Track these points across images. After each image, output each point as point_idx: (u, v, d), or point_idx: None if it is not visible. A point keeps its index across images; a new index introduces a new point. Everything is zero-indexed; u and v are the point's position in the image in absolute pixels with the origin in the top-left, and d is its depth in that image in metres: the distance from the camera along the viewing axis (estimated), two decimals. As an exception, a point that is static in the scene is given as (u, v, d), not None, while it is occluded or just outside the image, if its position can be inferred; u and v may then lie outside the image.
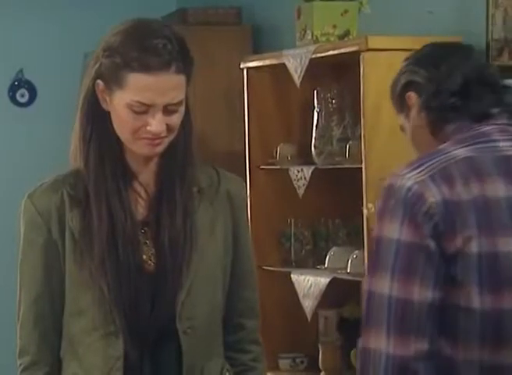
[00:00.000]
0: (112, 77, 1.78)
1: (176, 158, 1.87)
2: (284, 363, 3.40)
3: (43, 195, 1.86)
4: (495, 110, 1.90)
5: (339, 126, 3.19)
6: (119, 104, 1.79)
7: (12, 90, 4.71)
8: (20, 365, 1.90)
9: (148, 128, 1.79)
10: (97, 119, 1.83)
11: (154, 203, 1.86)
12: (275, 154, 3.48)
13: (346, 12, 3.11)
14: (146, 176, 1.88)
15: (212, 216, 1.89)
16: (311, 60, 2.99)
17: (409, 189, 1.77)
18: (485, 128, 1.87)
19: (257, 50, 4.07)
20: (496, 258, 1.74)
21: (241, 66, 3.50)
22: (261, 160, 3.50)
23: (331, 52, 2.91)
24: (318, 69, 3.12)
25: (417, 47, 2.75)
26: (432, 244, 1.73)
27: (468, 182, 1.77)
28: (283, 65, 3.18)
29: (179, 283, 1.83)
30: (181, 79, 1.78)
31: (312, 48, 3.03)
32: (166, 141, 1.83)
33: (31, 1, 4.67)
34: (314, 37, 3.10)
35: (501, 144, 1.84)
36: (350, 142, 3.07)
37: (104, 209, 1.82)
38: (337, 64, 3.18)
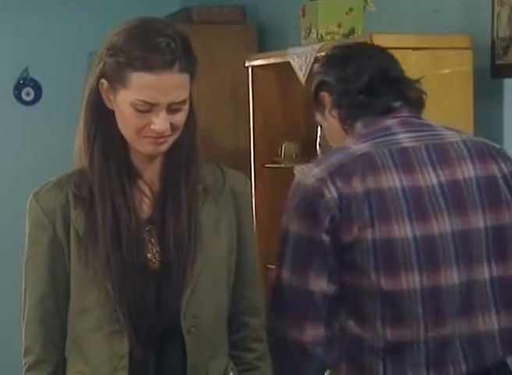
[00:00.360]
0: (116, 76, 1.78)
1: (181, 156, 1.86)
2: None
3: (48, 194, 1.86)
4: (397, 104, 2.06)
5: (344, 124, 3.18)
6: (123, 103, 1.79)
7: (18, 88, 4.72)
8: (25, 364, 1.91)
9: (152, 127, 1.79)
10: (101, 118, 1.83)
11: (159, 201, 1.86)
12: (279, 152, 3.48)
13: (351, 10, 3.11)
14: (150, 174, 1.88)
15: (217, 214, 1.89)
16: (316, 58, 2.99)
17: (311, 186, 1.96)
18: (387, 122, 2.04)
19: (261, 48, 4.07)
20: (391, 244, 1.90)
21: (246, 64, 3.50)
22: (265, 158, 3.50)
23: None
24: (323, 68, 3.11)
25: (423, 45, 2.77)
26: (327, 238, 1.91)
27: (365, 176, 1.94)
28: (288, 63, 3.18)
29: (183, 281, 1.83)
30: (185, 77, 1.78)
31: (317, 46, 3.02)
32: (170, 140, 1.83)
33: (36, 1, 4.67)
34: (319, 36, 3.09)
35: (400, 136, 2.01)
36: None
37: (108, 208, 1.82)
38: (342, 62, 3.17)
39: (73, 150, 1.88)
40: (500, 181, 2.01)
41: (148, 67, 1.74)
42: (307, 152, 3.32)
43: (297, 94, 3.41)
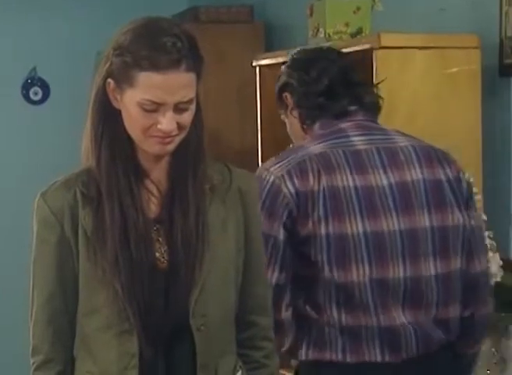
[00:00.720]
0: (123, 76, 1.78)
1: (188, 155, 1.86)
2: (295, 361, 3.39)
3: (56, 194, 1.86)
4: (352, 108, 2.21)
5: (352, 124, 3.18)
6: (130, 102, 1.79)
7: (26, 88, 4.73)
8: (33, 363, 1.90)
9: (159, 126, 1.79)
10: (108, 118, 1.83)
11: (167, 201, 1.86)
12: (287, 151, 3.47)
13: (358, 9, 3.10)
14: (158, 173, 1.88)
15: (224, 214, 1.89)
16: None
17: (271, 183, 2.12)
18: (342, 125, 2.20)
19: (269, 48, 4.07)
20: (344, 239, 2.07)
21: (253, 63, 3.50)
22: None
23: (343, 50, 2.90)
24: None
25: (431, 44, 2.77)
26: (284, 233, 2.08)
27: (320, 174, 2.10)
28: (295, 63, 3.16)
29: (192, 280, 1.83)
30: (191, 77, 1.78)
31: (325, 46, 3.02)
32: (177, 140, 1.83)
33: (45, 0, 4.68)
34: (327, 35, 3.09)
35: (354, 138, 2.17)
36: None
37: (116, 207, 1.82)
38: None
39: (81, 149, 1.89)
40: (445, 185, 2.17)
41: (155, 67, 1.74)
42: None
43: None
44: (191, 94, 1.79)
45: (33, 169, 4.53)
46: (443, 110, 2.78)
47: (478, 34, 2.81)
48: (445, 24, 3.05)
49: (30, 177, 4.34)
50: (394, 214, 2.11)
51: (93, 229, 1.83)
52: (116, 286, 1.80)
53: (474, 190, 2.51)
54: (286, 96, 2.30)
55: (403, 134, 2.26)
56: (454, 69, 2.78)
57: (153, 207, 1.87)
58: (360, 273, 2.07)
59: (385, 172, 2.14)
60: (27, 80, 4.72)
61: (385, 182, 2.13)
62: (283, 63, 3.34)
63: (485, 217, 2.58)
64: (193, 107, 1.82)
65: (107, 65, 1.81)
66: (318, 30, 3.16)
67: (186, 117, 1.81)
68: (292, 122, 2.32)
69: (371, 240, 2.08)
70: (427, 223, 2.13)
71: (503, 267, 2.55)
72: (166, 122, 1.78)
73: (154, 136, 1.80)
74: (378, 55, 2.71)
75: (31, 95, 4.74)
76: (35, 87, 4.74)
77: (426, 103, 2.75)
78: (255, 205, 1.96)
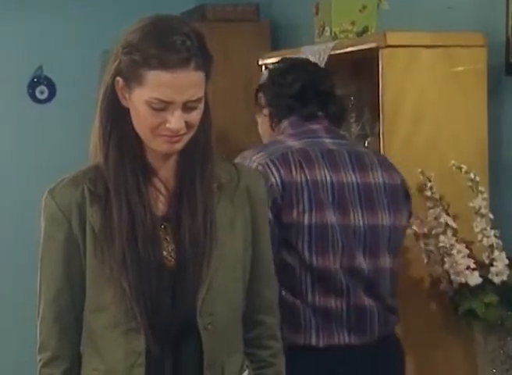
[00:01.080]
0: (131, 74, 1.78)
1: (196, 154, 1.87)
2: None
3: (63, 191, 1.87)
4: (320, 113, 2.44)
5: (358, 122, 3.18)
6: (138, 101, 1.79)
7: (32, 86, 4.73)
8: (40, 360, 1.91)
9: (167, 125, 1.79)
10: (116, 116, 1.84)
11: (174, 199, 1.86)
12: (293, 150, 3.47)
13: (364, 8, 3.10)
14: (166, 172, 1.88)
15: (232, 212, 1.89)
16: (330, 57, 2.99)
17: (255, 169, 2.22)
18: (313, 126, 2.41)
19: (275, 46, 4.07)
20: (324, 229, 2.27)
21: (259, 62, 3.50)
22: (279, 156, 3.49)
23: (349, 49, 2.90)
24: (337, 66, 3.11)
25: (437, 43, 2.76)
26: (270, 214, 2.18)
27: (302, 168, 2.28)
28: (302, 61, 3.17)
29: (199, 279, 1.83)
30: (200, 76, 1.78)
31: (331, 44, 3.02)
32: (185, 138, 1.83)
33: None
34: (333, 34, 3.09)
35: (325, 140, 2.39)
36: (369, 139, 3.06)
37: (124, 206, 1.82)
38: (356, 61, 3.17)
39: (87, 148, 1.89)
40: (399, 188, 2.42)
41: (164, 65, 1.74)
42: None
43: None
44: (200, 93, 1.79)
45: (40, 168, 4.53)
46: (449, 109, 2.78)
47: (485, 33, 2.81)
48: (451, 23, 3.05)
49: (36, 176, 4.35)
50: (359, 210, 2.34)
51: (100, 227, 1.83)
52: (124, 284, 1.81)
53: (481, 188, 2.53)
54: (260, 96, 2.51)
55: (359, 142, 2.61)
56: (460, 68, 2.78)
57: (161, 205, 1.87)
58: (336, 261, 2.28)
59: (354, 172, 2.37)
60: (33, 79, 4.73)
61: (353, 180, 2.35)
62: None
63: (491, 216, 2.58)
64: (201, 106, 1.82)
65: (116, 63, 1.81)
66: (323, 29, 3.16)
67: (195, 116, 1.81)
68: (262, 120, 2.52)
69: (343, 232, 2.29)
70: (386, 222, 2.36)
71: (509, 266, 2.55)
72: (175, 121, 1.78)
73: (163, 135, 1.80)
74: (384, 54, 2.71)
75: (37, 94, 4.75)
76: (41, 86, 4.74)
77: (432, 102, 2.75)
78: (263, 204, 1.96)
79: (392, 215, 2.38)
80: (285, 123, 2.43)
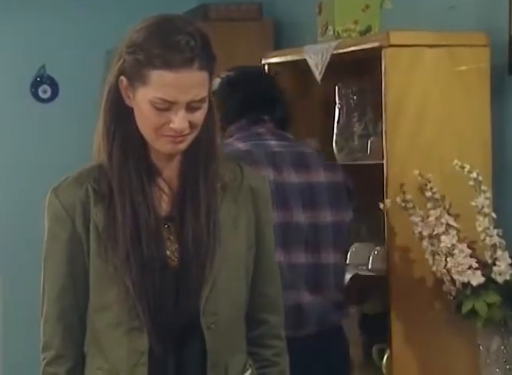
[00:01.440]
0: (135, 74, 1.78)
1: (200, 154, 1.87)
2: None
3: (67, 189, 1.87)
4: (266, 117, 2.63)
5: (361, 122, 3.18)
6: (142, 101, 1.79)
7: (35, 86, 4.73)
8: (44, 359, 1.91)
9: (171, 125, 1.79)
10: (120, 116, 1.84)
11: (178, 199, 1.86)
12: (296, 149, 3.47)
13: (367, 7, 3.10)
14: (169, 171, 1.88)
15: (235, 212, 1.89)
16: (333, 56, 2.99)
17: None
18: (259, 130, 2.60)
19: (278, 46, 4.06)
20: (288, 226, 2.45)
21: (262, 61, 3.49)
22: (282, 156, 3.48)
23: (352, 48, 2.90)
24: (340, 65, 3.11)
25: (440, 42, 2.76)
26: None
27: (263, 166, 2.46)
28: (304, 61, 3.17)
29: (202, 278, 1.84)
30: (204, 76, 1.78)
31: (334, 43, 3.02)
32: (189, 138, 1.83)
33: (54, -2, 4.69)
34: (336, 33, 3.09)
35: (271, 142, 2.58)
36: (372, 138, 3.06)
37: (128, 205, 1.82)
38: (359, 60, 3.17)
39: (90, 147, 1.89)
40: (342, 186, 2.59)
41: (167, 65, 1.74)
42: (324, 149, 3.32)
43: (314, 91, 3.40)
44: (203, 93, 1.79)
45: (41, 167, 4.53)
46: (452, 108, 2.77)
47: (488, 32, 2.81)
48: (454, 22, 3.04)
49: (39, 175, 4.35)
50: (301, 208, 2.50)
51: (104, 226, 1.83)
52: (127, 283, 1.81)
53: (484, 188, 2.53)
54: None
55: (303, 143, 2.81)
56: (463, 68, 2.78)
57: (164, 205, 1.87)
58: (297, 256, 2.47)
59: (296, 172, 2.54)
60: (36, 78, 4.73)
61: (295, 180, 2.53)
62: (292, 61, 3.35)
63: (494, 215, 2.57)
64: (205, 106, 1.82)
65: (120, 62, 1.81)
66: (326, 28, 3.16)
67: (199, 116, 1.81)
68: None
69: (284, 229, 2.46)
70: (327, 219, 2.53)
71: (512, 265, 2.55)
72: (178, 121, 1.78)
73: (166, 135, 1.80)
74: (387, 54, 2.71)
75: (40, 93, 4.75)
76: (44, 86, 4.74)
77: (435, 101, 2.75)
78: (267, 204, 1.96)
79: (335, 212, 2.54)
80: (233, 127, 2.61)
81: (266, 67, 3.48)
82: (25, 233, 4.35)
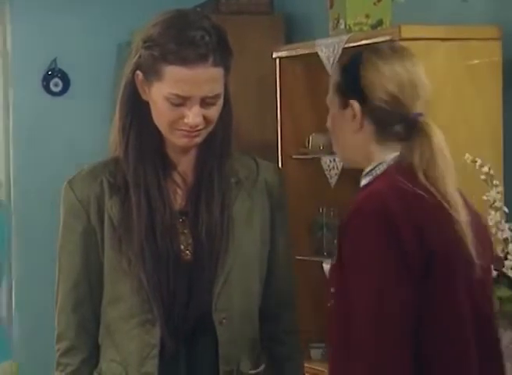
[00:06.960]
0: (151, 69, 1.78)
1: (215, 149, 1.87)
2: (315, 353, 3.41)
3: (82, 182, 1.87)
4: None
5: (372, 116, 3.17)
6: (157, 95, 1.79)
7: (46, 79, 4.73)
8: (58, 350, 1.91)
9: (186, 120, 1.79)
10: (136, 110, 1.84)
11: (193, 193, 1.87)
12: (307, 143, 3.48)
13: (379, 1, 3.10)
14: (185, 166, 1.88)
15: (250, 207, 1.89)
16: (344, 50, 2.98)
17: None
18: None
19: (289, 39, 4.06)
20: None
21: (273, 55, 3.50)
22: (293, 150, 3.50)
23: (364, 42, 2.89)
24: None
25: (452, 36, 2.76)
26: None
27: None
28: (316, 54, 3.17)
29: (215, 273, 1.84)
30: (218, 71, 1.78)
31: (345, 37, 3.02)
32: (204, 133, 1.83)
33: (65, -8, 4.69)
34: (347, 27, 3.09)
35: None
36: (383, 132, 3.05)
37: (143, 199, 1.82)
38: (370, 53, 3.16)
39: (101, 140, 1.89)
40: None
41: (182, 61, 1.74)
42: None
43: (325, 85, 3.39)
44: (218, 90, 1.79)
45: (53, 161, 4.54)
46: (464, 102, 2.77)
47: (500, 26, 2.80)
48: (466, 16, 3.04)
49: (50, 168, 4.36)
50: None
51: (119, 219, 1.84)
52: (141, 276, 1.81)
53: (496, 182, 2.51)
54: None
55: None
56: (476, 61, 2.77)
57: (179, 199, 1.88)
58: None
59: None
60: (48, 72, 4.73)
61: None
62: (304, 55, 3.35)
63: (506, 209, 2.57)
64: (220, 102, 1.81)
65: (136, 57, 1.81)
66: (338, 22, 3.16)
67: (213, 111, 1.80)
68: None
69: None
70: None
71: (524, 259, 2.54)
72: (193, 116, 1.78)
73: (181, 129, 1.80)
74: (399, 47, 2.70)
75: (51, 87, 4.75)
76: (55, 79, 4.74)
77: (447, 95, 2.75)
78: (282, 198, 1.95)
79: None
80: None
81: (277, 61, 3.48)
82: (39, 227, 4.35)
